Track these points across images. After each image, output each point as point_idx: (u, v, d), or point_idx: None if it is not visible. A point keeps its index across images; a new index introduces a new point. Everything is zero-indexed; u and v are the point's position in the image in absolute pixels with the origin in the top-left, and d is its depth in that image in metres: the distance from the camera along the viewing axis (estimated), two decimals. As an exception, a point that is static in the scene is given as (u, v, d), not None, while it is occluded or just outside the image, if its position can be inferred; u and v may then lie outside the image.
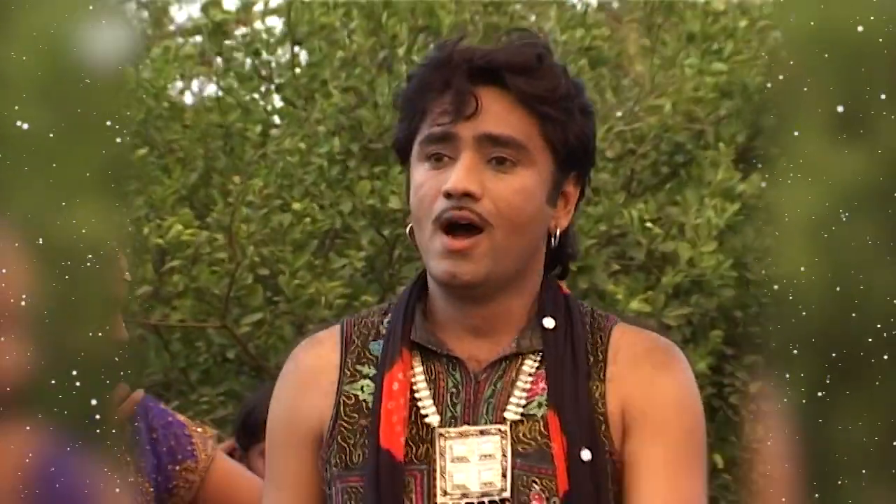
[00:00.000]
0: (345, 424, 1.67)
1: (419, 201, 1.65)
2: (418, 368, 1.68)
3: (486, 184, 1.62)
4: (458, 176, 1.61)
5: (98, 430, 1.70)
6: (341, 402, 1.68)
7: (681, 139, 5.22)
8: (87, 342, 1.72)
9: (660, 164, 5.29)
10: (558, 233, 1.69)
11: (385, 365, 1.67)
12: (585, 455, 1.62)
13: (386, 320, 1.72)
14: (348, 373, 1.70)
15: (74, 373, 1.69)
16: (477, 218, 1.62)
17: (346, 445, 1.67)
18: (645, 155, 5.21)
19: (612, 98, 5.25)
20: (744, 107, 5.18)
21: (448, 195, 1.61)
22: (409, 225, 1.69)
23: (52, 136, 1.70)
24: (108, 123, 1.72)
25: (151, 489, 2.24)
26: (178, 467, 2.29)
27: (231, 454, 3.13)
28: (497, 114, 1.63)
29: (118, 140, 1.73)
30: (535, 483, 1.63)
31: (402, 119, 1.70)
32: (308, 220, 4.67)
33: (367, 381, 1.68)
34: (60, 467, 1.70)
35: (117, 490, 1.76)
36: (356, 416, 1.68)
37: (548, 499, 1.63)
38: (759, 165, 4.98)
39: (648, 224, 4.78)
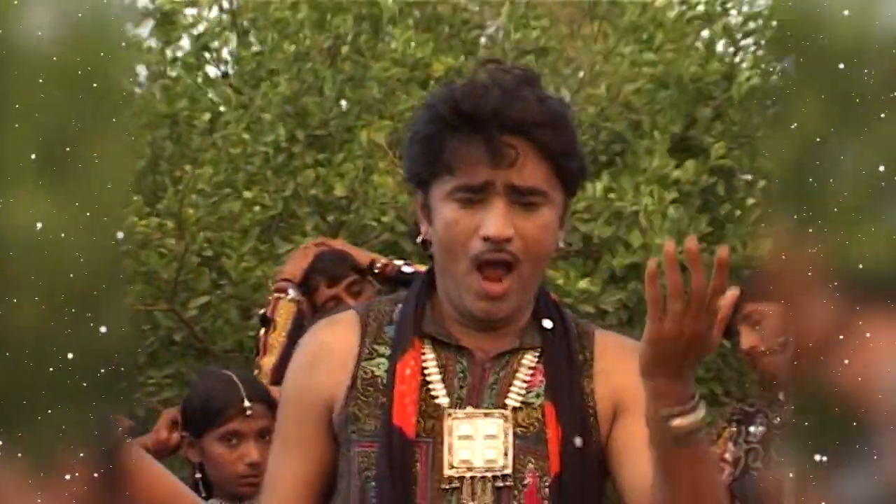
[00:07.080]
0: (360, 396, 1.86)
1: (453, 237, 1.82)
2: (430, 355, 1.87)
3: (516, 224, 1.81)
4: (497, 223, 1.79)
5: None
6: (359, 375, 1.87)
7: (618, 128, 5.37)
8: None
9: (597, 153, 5.43)
10: (560, 245, 1.90)
11: (398, 351, 1.86)
12: (578, 442, 1.83)
13: (397, 309, 1.91)
14: (367, 350, 1.88)
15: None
16: (510, 256, 1.81)
17: (360, 415, 1.85)
18: (583, 143, 5.35)
19: (552, 88, 5.37)
20: (679, 97, 5.33)
21: (487, 239, 1.80)
22: (423, 238, 1.89)
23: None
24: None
25: None
26: None
27: (179, 441, 3.25)
28: (526, 166, 1.80)
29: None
30: (531, 462, 1.83)
31: (421, 152, 1.85)
32: (257, 207, 4.80)
33: (383, 360, 1.87)
34: None
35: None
36: (371, 389, 1.86)
37: (540, 477, 1.82)
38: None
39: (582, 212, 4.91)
